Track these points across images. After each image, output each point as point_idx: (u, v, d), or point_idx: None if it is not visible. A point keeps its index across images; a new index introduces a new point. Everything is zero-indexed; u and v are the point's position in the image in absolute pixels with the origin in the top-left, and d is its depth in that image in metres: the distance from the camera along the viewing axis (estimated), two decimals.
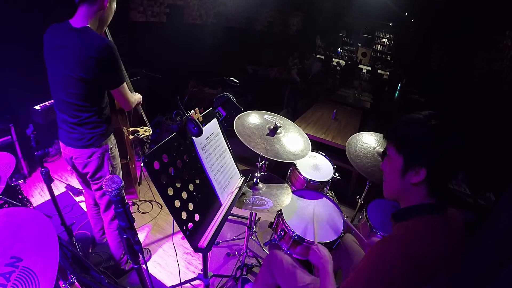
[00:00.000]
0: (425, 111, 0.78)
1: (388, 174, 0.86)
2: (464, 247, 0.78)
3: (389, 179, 0.87)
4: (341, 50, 12.08)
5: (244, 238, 1.91)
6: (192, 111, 1.12)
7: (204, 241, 0.98)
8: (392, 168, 0.83)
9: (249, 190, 1.48)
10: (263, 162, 1.75)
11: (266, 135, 1.61)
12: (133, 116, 2.36)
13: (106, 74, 1.25)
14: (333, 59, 9.48)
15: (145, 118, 2.13)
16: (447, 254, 0.75)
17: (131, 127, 2.10)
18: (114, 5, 1.32)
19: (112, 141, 1.50)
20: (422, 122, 0.76)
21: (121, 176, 1.67)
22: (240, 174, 1.43)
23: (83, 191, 1.79)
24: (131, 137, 2.03)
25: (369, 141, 1.81)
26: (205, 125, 1.18)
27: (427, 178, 0.76)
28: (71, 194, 2.46)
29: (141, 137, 2.09)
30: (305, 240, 1.40)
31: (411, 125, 0.78)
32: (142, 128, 2.16)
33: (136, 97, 1.61)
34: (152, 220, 2.33)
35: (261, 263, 2.00)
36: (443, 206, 0.79)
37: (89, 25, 1.21)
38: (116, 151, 1.55)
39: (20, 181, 2.41)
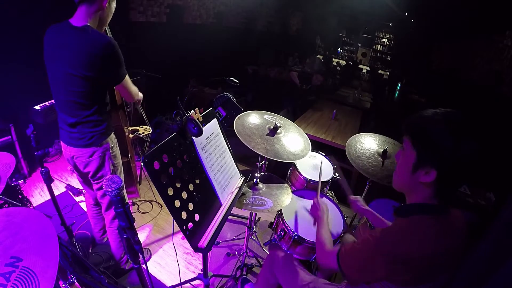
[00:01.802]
0: (446, 109, 0.76)
1: (400, 165, 0.86)
2: (466, 249, 0.78)
3: (399, 171, 0.86)
4: (341, 50, 12.09)
5: (244, 238, 1.91)
6: (192, 111, 1.12)
7: (204, 241, 0.98)
8: (404, 160, 0.82)
9: (249, 190, 1.48)
10: (263, 162, 1.75)
11: (266, 135, 1.61)
12: (133, 115, 2.36)
13: (109, 71, 1.26)
14: (333, 59, 9.48)
15: (145, 117, 2.14)
16: (445, 256, 0.75)
17: (131, 126, 2.10)
18: (114, 5, 1.32)
19: (113, 140, 1.50)
20: (444, 122, 0.73)
21: (122, 175, 1.67)
22: (240, 174, 1.43)
23: (84, 191, 1.79)
24: (131, 136, 2.04)
25: (368, 143, 1.81)
26: (205, 125, 1.18)
27: (437, 180, 0.74)
28: (71, 194, 2.46)
29: (141, 135, 2.09)
30: (305, 240, 1.39)
31: (431, 122, 0.75)
32: (142, 127, 2.17)
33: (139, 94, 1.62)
34: (152, 220, 2.33)
35: (261, 263, 2.00)
36: (445, 208, 0.79)
37: (89, 24, 1.21)
38: (117, 150, 1.55)
39: (20, 181, 2.41)
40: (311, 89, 4.48)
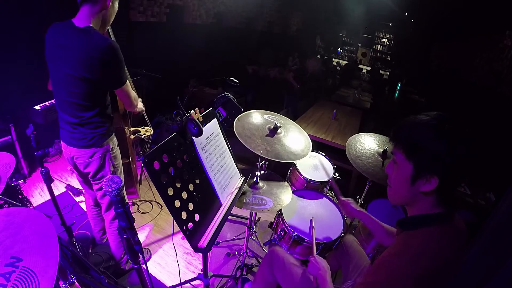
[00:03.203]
0: (432, 113, 0.74)
1: (395, 180, 0.82)
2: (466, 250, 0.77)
3: (396, 186, 0.82)
4: (341, 50, 12.08)
5: (244, 238, 1.91)
6: (192, 111, 1.12)
7: (204, 241, 0.98)
8: (400, 174, 0.78)
9: (249, 189, 1.48)
10: (263, 162, 1.75)
11: (266, 135, 1.61)
12: (134, 116, 2.36)
13: (108, 74, 1.25)
14: (333, 59, 9.47)
15: (146, 118, 2.14)
16: (454, 263, 0.74)
17: (132, 127, 2.10)
18: (117, 4, 1.32)
19: (113, 141, 1.50)
20: (434, 126, 0.71)
21: (122, 176, 1.67)
22: (240, 174, 1.43)
23: (83, 191, 1.79)
24: (132, 137, 2.04)
25: (368, 143, 1.81)
26: (205, 125, 1.18)
27: (439, 186, 0.72)
28: (71, 194, 2.46)
29: (142, 137, 2.09)
30: (305, 240, 1.40)
31: (422, 130, 0.73)
32: (143, 128, 2.17)
33: (139, 104, 1.60)
34: (152, 220, 2.33)
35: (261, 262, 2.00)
36: (451, 214, 0.76)
37: (91, 25, 1.21)
38: (117, 151, 1.56)
39: (20, 181, 2.41)
40: (310, 76, 4.50)
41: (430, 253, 0.71)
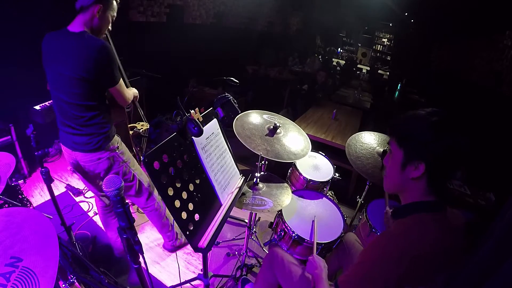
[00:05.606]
0: (428, 108, 0.80)
1: (389, 168, 0.88)
2: (466, 248, 0.78)
3: (389, 173, 0.89)
4: (341, 50, 12.07)
5: (244, 238, 1.91)
6: (192, 111, 1.12)
7: (204, 241, 0.98)
8: (393, 162, 0.85)
9: (249, 190, 1.48)
10: (263, 162, 1.75)
11: (266, 135, 1.61)
12: (133, 115, 2.37)
13: (103, 73, 1.30)
14: (333, 59, 9.47)
15: (141, 113, 2.15)
16: (445, 254, 0.75)
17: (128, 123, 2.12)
18: (110, 14, 1.36)
19: (117, 140, 1.53)
20: (424, 118, 0.78)
21: (137, 165, 1.66)
22: (240, 174, 1.43)
23: (85, 188, 1.79)
24: (131, 132, 2.05)
25: (369, 141, 1.81)
26: (205, 125, 1.19)
27: (426, 174, 0.77)
28: (71, 194, 2.45)
29: (140, 131, 2.11)
30: (305, 240, 1.40)
31: (413, 121, 0.80)
32: (139, 123, 2.19)
33: (131, 92, 1.63)
34: None
35: (261, 263, 2.00)
36: (442, 205, 0.80)
37: (86, 30, 1.27)
38: (123, 146, 1.57)
39: (20, 181, 2.41)
40: (318, 88, 4.57)
41: (412, 240, 0.74)
